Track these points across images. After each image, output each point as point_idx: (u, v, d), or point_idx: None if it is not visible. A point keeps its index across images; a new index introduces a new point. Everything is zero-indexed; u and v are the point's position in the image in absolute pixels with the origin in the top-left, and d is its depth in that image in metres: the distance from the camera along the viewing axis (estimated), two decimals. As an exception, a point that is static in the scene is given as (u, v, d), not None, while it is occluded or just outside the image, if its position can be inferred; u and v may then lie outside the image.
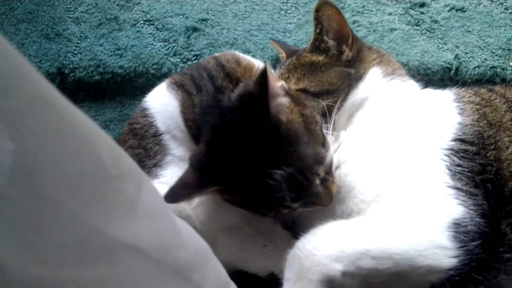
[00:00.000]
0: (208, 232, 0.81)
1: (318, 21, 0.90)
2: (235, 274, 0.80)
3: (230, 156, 0.71)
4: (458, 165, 0.73)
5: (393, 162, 0.77)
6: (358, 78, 0.88)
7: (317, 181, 0.73)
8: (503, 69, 1.25)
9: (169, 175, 0.84)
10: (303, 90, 0.88)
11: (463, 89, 0.88)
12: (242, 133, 0.71)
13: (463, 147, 0.75)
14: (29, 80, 0.36)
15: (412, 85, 0.92)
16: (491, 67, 1.25)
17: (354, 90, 0.87)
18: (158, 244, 0.49)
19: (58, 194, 0.37)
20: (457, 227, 0.67)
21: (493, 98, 0.82)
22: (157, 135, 0.87)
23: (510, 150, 0.74)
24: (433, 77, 1.23)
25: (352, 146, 0.83)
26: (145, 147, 0.86)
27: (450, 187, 0.71)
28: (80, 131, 0.40)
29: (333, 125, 0.85)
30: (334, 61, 0.90)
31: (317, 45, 0.92)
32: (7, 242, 0.35)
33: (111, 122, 1.20)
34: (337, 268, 0.66)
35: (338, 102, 0.85)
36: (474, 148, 0.75)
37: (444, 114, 0.81)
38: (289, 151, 0.70)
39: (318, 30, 0.91)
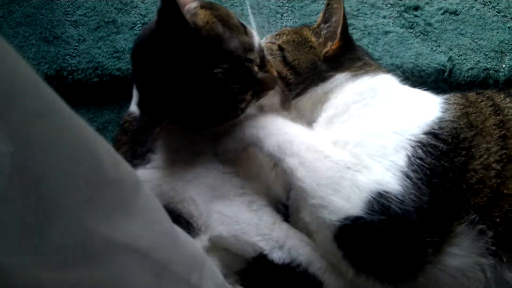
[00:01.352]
0: (203, 208, 0.82)
1: (326, 7, 0.94)
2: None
3: (168, 85, 0.76)
4: (420, 158, 0.71)
5: (365, 128, 0.79)
6: (322, 78, 0.90)
7: (255, 68, 0.79)
8: (496, 71, 1.27)
9: (161, 158, 0.87)
10: (281, 49, 0.93)
11: (452, 94, 0.87)
12: (172, 56, 0.74)
13: (433, 142, 0.73)
14: (32, 87, 0.37)
15: (382, 78, 0.91)
16: (484, 69, 1.27)
17: (314, 87, 0.90)
18: (157, 245, 0.50)
19: (60, 196, 0.38)
20: (379, 197, 0.69)
21: (479, 100, 0.81)
22: None
23: (481, 160, 0.71)
24: (427, 79, 1.24)
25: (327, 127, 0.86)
26: (135, 138, 0.90)
27: (402, 171, 0.71)
28: (82, 137, 0.41)
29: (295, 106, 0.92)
30: (317, 49, 0.92)
31: (316, 27, 0.96)
32: (9, 245, 0.35)
33: (109, 123, 1.21)
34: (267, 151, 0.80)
35: (299, 89, 0.90)
36: (445, 147, 0.72)
37: (425, 106, 0.81)
38: (218, 50, 0.75)
39: (322, 15, 0.95)
